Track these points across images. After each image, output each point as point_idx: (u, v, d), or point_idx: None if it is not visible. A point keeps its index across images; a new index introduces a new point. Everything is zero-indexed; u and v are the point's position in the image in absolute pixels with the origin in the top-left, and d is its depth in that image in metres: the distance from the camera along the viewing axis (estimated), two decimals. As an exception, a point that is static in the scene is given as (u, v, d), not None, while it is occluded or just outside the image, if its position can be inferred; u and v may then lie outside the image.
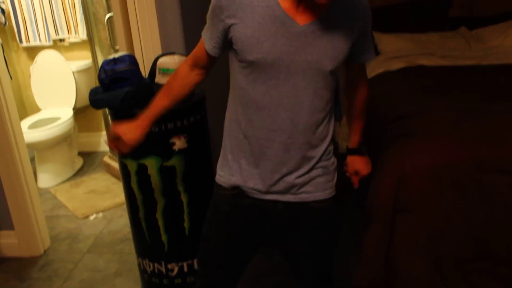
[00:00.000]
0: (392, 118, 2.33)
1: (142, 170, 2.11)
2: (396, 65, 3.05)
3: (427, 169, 1.94)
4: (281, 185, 1.48)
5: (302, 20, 1.33)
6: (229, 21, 1.36)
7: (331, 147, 1.52)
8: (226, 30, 1.38)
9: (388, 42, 3.38)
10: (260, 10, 1.33)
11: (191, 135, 2.10)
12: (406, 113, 2.34)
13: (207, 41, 1.47)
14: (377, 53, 3.39)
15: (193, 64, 1.56)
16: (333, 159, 1.54)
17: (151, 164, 2.09)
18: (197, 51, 1.54)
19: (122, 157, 2.17)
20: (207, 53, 1.49)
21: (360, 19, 1.40)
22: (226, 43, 1.43)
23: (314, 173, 1.48)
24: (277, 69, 1.37)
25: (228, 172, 1.53)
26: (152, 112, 1.62)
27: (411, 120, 2.27)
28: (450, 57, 3.09)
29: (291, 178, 1.47)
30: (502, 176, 1.90)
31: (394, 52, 3.27)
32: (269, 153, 1.45)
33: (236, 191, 1.52)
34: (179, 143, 2.08)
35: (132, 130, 1.61)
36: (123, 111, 2.06)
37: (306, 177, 1.47)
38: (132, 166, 2.13)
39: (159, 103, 1.61)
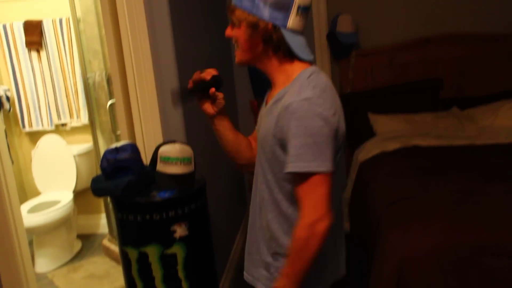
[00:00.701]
0: (390, 200, 2.36)
1: (143, 258, 2.11)
2: (392, 146, 3.11)
3: (428, 252, 1.95)
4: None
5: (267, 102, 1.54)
6: None
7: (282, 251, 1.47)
8: None
9: (383, 123, 3.47)
10: None
11: (192, 222, 2.11)
12: (404, 195, 2.37)
13: None
14: (372, 134, 3.46)
15: None
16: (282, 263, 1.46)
17: (152, 252, 2.09)
18: None
19: (123, 245, 2.17)
20: None
21: (281, 118, 1.37)
22: None
23: (258, 263, 1.55)
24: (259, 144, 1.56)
25: None
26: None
27: (409, 202, 2.30)
28: (444, 137, 3.16)
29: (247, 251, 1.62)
30: (502, 259, 1.90)
31: (389, 132, 3.34)
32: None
33: None
34: (180, 231, 2.09)
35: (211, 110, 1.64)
36: (125, 200, 2.09)
37: (254, 263, 1.57)
38: (133, 254, 2.13)
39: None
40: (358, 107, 3.70)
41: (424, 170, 2.72)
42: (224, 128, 1.66)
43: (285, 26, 1.40)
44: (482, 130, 3.20)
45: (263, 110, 1.55)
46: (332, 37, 3.67)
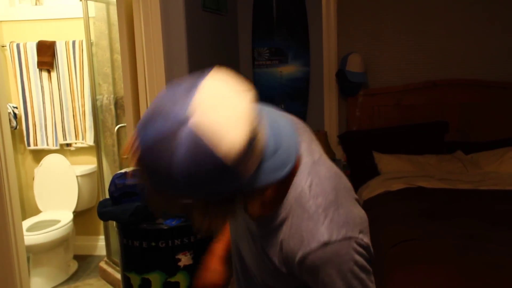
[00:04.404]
0: (394, 241, 2.36)
1: (145, 285, 2.11)
2: (396, 186, 3.12)
3: (431, 296, 1.95)
4: None
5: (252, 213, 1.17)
6: None
7: None
8: None
9: (387, 162, 3.49)
10: None
11: (197, 251, 2.11)
12: (408, 237, 2.37)
13: None
14: (376, 172, 3.48)
15: None
16: None
17: (155, 279, 2.09)
18: None
19: (126, 271, 2.16)
20: None
21: (296, 271, 1.00)
22: None
23: None
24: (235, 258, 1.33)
25: None
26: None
27: (413, 244, 2.29)
28: (448, 180, 3.17)
29: None
30: (506, 308, 1.90)
31: (393, 172, 3.36)
32: None
33: None
34: (184, 260, 2.09)
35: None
36: (131, 225, 2.09)
37: None
38: (135, 280, 2.13)
39: None
40: (363, 145, 3.73)
41: (428, 212, 2.72)
42: None
43: None
44: (486, 176, 3.22)
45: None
46: (341, 75, 3.72)
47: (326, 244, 0.93)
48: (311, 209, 0.95)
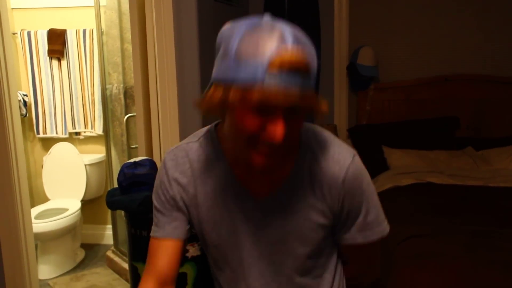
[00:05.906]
0: (403, 237, 2.34)
1: (153, 275, 2.10)
2: (406, 181, 3.10)
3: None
4: None
5: (258, 191, 1.14)
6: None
7: None
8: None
9: (397, 157, 3.46)
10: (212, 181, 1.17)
11: (205, 243, 2.11)
12: (417, 233, 2.35)
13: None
14: (385, 167, 3.46)
15: None
16: None
17: (163, 270, 2.08)
18: None
19: (134, 260, 2.16)
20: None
21: (339, 196, 1.12)
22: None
23: None
24: (238, 254, 1.19)
25: None
26: None
27: (423, 240, 2.28)
28: (458, 176, 3.15)
29: None
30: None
31: (402, 167, 3.33)
32: None
33: None
34: (192, 250, 2.09)
35: None
36: (140, 215, 2.09)
37: None
38: (143, 269, 2.12)
39: None
40: (373, 139, 3.70)
41: (438, 208, 2.71)
42: None
43: None
44: (496, 172, 3.19)
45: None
46: (352, 68, 3.70)
47: (354, 156, 1.13)
48: (329, 137, 1.14)
